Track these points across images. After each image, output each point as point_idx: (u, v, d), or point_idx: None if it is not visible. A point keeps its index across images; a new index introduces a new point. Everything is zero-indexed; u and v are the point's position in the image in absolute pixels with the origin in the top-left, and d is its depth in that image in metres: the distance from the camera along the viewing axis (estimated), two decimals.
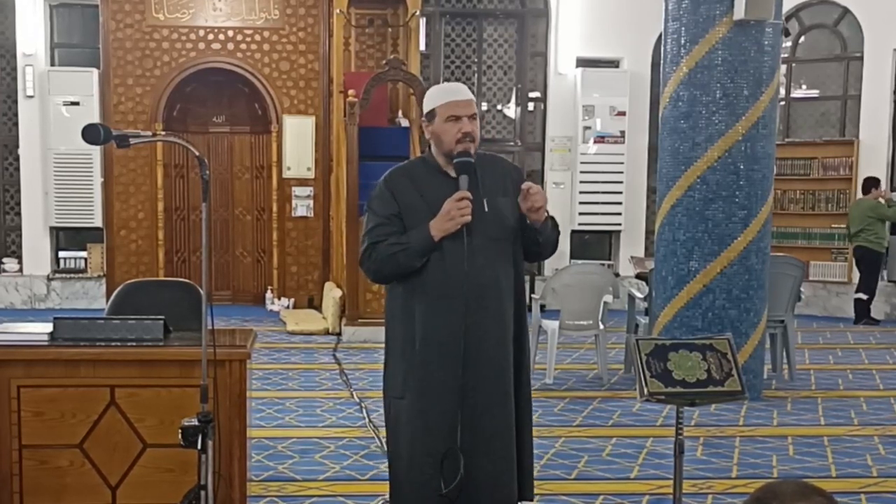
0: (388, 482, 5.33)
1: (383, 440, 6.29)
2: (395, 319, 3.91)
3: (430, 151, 3.90)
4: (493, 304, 3.76)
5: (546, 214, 3.81)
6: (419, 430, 3.77)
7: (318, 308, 12.17)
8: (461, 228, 3.69)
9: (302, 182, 12.47)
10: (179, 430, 3.51)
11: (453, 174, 3.79)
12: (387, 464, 5.79)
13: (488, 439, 3.74)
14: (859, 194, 12.42)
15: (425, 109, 3.87)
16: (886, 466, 6.07)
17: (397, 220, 3.80)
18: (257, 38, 12.26)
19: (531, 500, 3.98)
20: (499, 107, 13.52)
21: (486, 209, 3.77)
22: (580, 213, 12.95)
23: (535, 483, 4.06)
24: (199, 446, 3.50)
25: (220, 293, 12.37)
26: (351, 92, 10.69)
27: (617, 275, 12.21)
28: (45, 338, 4.13)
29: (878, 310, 12.49)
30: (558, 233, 3.99)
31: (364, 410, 7.19)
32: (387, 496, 5.16)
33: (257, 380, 7.79)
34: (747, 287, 7.58)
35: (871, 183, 12.10)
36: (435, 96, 3.88)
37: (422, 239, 3.73)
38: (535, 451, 4.04)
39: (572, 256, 12.65)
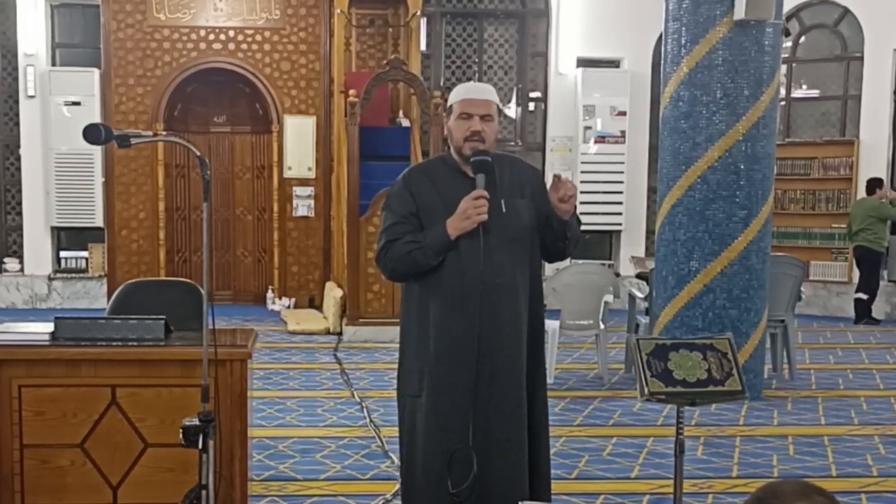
0: (390, 481, 5.36)
1: (384, 440, 6.31)
2: (410, 318, 3.88)
3: (450, 151, 3.92)
4: (507, 304, 3.76)
5: (574, 208, 3.83)
6: (433, 429, 3.76)
7: (319, 308, 12.18)
8: (477, 228, 3.69)
9: (303, 182, 12.48)
10: (180, 430, 3.51)
11: (471, 173, 3.81)
12: (388, 463, 5.85)
13: (500, 439, 3.73)
14: (860, 194, 12.44)
15: (448, 105, 3.92)
16: (887, 466, 6.08)
17: (414, 219, 3.80)
18: (258, 38, 12.26)
19: (549, 502, 3.99)
20: (494, 106, 13.48)
21: (504, 210, 3.78)
22: (581, 213, 12.86)
23: None
24: (200, 446, 3.50)
25: (221, 293, 12.38)
26: (352, 92, 10.69)
27: (617, 274, 12.20)
28: (47, 337, 4.13)
29: (878, 310, 12.48)
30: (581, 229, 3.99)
31: (365, 410, 7.18)
32: (387, 495, 5.20)
33: (258, 379, 7.80)
34: (748, 287, 7.59)
35: (875, 183, 12.10)
36: (455, 93, 3.91)
37: (438, 237, 3.72)
38: None
39: (573, 256, 12.62)
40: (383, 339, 9.95)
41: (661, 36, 8.19)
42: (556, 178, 3.79)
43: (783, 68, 11.40)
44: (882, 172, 12.49)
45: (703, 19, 7.51)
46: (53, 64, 12.54)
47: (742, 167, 7.52)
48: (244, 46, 12.23)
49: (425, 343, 3.79)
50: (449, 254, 3.74)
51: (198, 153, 3.62)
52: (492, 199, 3.72)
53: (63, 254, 12.68)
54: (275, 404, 7.38)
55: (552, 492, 4.11)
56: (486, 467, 3.69)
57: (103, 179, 12.24)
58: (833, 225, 12.78)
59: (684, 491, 4.13)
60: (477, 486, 3.66)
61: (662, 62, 8.00)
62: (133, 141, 3.58)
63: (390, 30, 12.64)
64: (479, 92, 3.90)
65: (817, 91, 13.44)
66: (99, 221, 12.35)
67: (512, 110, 13.58)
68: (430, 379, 3.77)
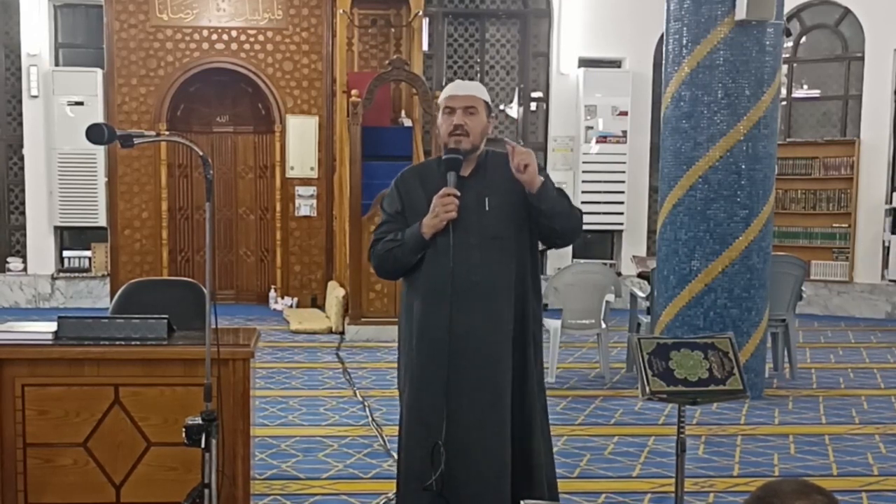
0: (391, 480, 5.38)
1: (386, 439, 6.32)
2: (402, 315, 4.01)
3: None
4: (484, 302, 3.79)
5: (541, 179, 3.79)
6: (413, 423, 3.88)
7: (322, 307, 12.19)
8: (448, 226, 3.74)
9: (305, 182, 12.49)
10: (183, 429, 3.52)
11: (462, 172, 3.85)
12: (390, 462, 5.89)
13: (476, 436, 3.77)
14: (861, 194, 12.49)
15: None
16: (887, 465, 6.09)
17: (401, 218, 3.92)
18: (261, 38, 12.27)
19: (556, 501, 4.02)
20: (501, 107, 13.52)
21: (487, 208, 3.80)
22: (582, 213, 12.90)
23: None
24: (202, 445, 3.51)
25: (223, 292, 12.38)
26: (354, 92, 10.70)
27: (619, 274, 12.23)
28: (50, 337, 4.14)
29: (878, 309, 12.52)
30: (570, 205, 3.90)
31: (367, 409, 7.20)
32: (389, 494, 5.22)
33: (261, 378, 7.82)
34: (749, 286, 7.60)
35: None
36: (443, 92, 3.99)
37: (413, 235, 3.83)
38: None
39: (574, 256, 12.66)
40: (385, 338, 9.96)
41: (662, 36, 8.20)
42: (511, 149, 3.76)
43: (784, 68, 11.41)
44: (883, 173, 12.51)
45: (705, 19, 7.52)
46: (56, 64, 12.56)
47: (743, 167, 7.53)
48: (247, 46, 12.24)
49: (409, 340, 3.91)
50: (428, 252, 3.83)
51: (201, 153, 3.63)
52: (473, 197, 3.76)
53: (66, 253, 12.69)
54: (277, 403, 7.40)
55: (558, 492, 4.14)
56: (463, 462, 3.75)
57: (106, 179, 12.25)
58: (834, 224, 12.79)
59: (685, 490, 4.15)
60: (454, 480, 3.72)
61: (664, 62, 8.01)
62: (136, 141, 3.59)
63: (392, 30, 12.65)
64: (462, 88, 3.95)
65: (818, 91, 13.42)
66: (102, 221, 12.36)
67: (514, 110, 13.58)
68: (412, 375, 3.88)
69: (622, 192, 13.10)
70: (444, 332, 3.76)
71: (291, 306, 12.28)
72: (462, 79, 13.15)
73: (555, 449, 6.13)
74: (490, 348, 3.80)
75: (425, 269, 3.84)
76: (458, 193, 3.75)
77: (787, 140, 12.91)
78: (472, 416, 3.77)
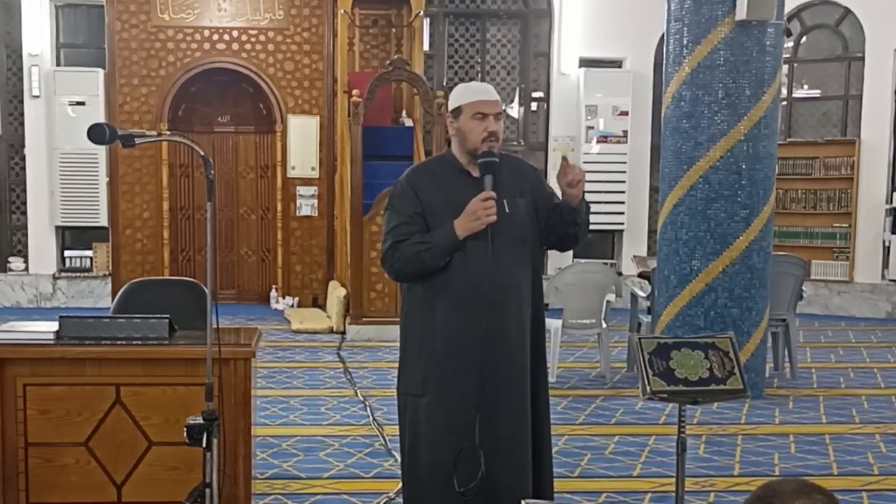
0: (393, 480, 5.38)
1: (387, 438, 6.32)
2: (413, 317, 3.90)
3: (450, 150, 3.93)
4: (512, 304, 3.79)
5: (582, 193, 3.83)
6: (440, 429, 3.78)
7: (323, 307, 12.20)
8: (485, 228, 3.71)
9: (306, 181, 12.50)
10: (184, 429, 3.53)
11: (475, 174, 3.83)
12: (391, 461, 5.87)
13: (506, 437, 3.76)
14: (861, 194, 12.50)
15: (451, 106, 3.90)
16: (888, 464, 6.09)
17: (420, 219, 3.82)
18: (262, 38, 12.28)
19: (551, 500, 4.02)
20: (502, 106, 13.51)
21: (507, 210, 3.80)
22: None
23: None
24: (204, 444, 3.52)
25: (224, 292, 12.38)
26: (355, 92, 10.70)
27: (619, 274, 12.24)
28: (51, 336, 4.15)
29: (879, 309, 12.52)
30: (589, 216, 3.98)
31: (368, 408, 7.20)
32: (391, 493, 5.22)
33: (262, 378, 7.82)
34: (749, 286, 7.61)
35: None
36: (462, 94, 3.92)
37: (446, 238, 3.74)
38: None
39: (575, 255, 12.62)
40: (386, 337, 9.96)
41: (663, 36, 8.20)
42: (564, 161, 3.78)
43: (784, 68, 11.40)
44: (883, 173, 12.51)
45: (705, 19, 7.52)
46: (58, 64, 12.56)
47: (744, 167, 7.54)
48: (248, 46, 12.25)
49: (430, 343, 3.81)
50: (456, 254, 3.76)
51: (202, 153, 3.64)
52: (496, 200, 3.75)
53: (67, 253, 12.69)
54: (278, 403, 7.41)
55: (554, 490, 4.14)
56: (492, 465, 3.71)
57: (107, 179, 12.26)
58: (834, 224, 12.79)
59: (686, 489, 4.16)
60: (484, 484, 3.69)
61: (664, 62, 8.02)
62: (137, 141, 3.60)
63: (393, 30, 12.66)
64: (489, 92, 3.94)
65: (818, 91, 13.42)
66: (103, 221, 12.37)
67: (514, 110, 13.59)
68: (436, 378, 3.79)
69: (623, 192, 13.11)
70: (477, 336, 3.70)
71: (292, 306, 12.28)
72: (463, 79, 13.16)
73: (555, 449, 6.16)
74: (517, 349, 3.80)
75: (453, 271, 3.76)
76: (496, 196, 3.74)
77: (788, 140, 12.91)
78: (501, 418, 3.75)
